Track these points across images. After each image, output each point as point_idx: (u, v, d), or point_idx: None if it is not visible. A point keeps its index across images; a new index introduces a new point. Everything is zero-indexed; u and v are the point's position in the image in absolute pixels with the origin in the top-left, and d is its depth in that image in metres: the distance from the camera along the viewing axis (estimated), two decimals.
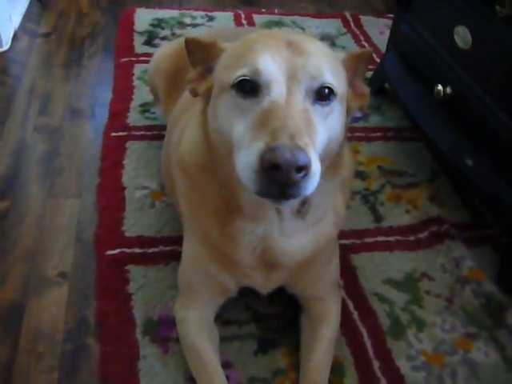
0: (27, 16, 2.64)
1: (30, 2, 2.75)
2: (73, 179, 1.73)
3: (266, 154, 0.80)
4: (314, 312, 1.28)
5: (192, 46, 1.03)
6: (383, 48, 2.19)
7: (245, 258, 1.12)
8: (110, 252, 1.47)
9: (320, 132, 0.89)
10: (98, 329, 1.30)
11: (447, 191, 1.78)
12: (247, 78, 0.89)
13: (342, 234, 1.25)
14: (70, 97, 2.11)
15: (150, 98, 1.97)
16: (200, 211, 1.14)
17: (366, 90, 1.07)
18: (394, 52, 2.00)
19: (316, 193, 0.90)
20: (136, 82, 2.15)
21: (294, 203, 1.03)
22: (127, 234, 1.53)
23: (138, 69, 2.22)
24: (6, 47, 2.35)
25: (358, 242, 1.56)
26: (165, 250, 1.49)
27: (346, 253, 1.49)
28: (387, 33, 2.14)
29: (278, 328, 1.34)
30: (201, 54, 1.02)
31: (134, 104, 2.04)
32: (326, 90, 0.91)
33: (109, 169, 1.75)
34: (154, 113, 2.00)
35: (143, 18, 2.62)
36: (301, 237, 1.11)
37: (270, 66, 0.89)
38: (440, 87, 1.62)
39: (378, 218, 1.65)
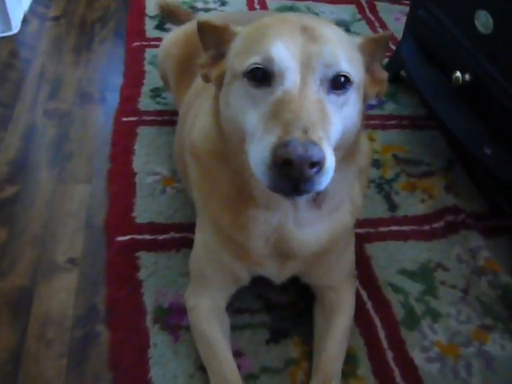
0: None
1: None
2: (83, 164, 1.71)
3: (279, 148, 0.77)
4: (328, 302, 1.25)
5: (204, 29, 0.99)
6: (399, 35, 2.14)
7: (258, 248, 1.09)
8: (120, 238, 1.45)
9: (335, 123, 0.86)
10: (107, 316, 1.28)
11: (463, 180, 1.74)
12: (259, 66, 0.86)
13: (357, 223, 1.22)
14: (80, 81, 2.08)
15: (161, 83, 1.94)
16: (212, 199, 1.12)
17: (384, 75, 1.03)
18: (410, 38, 1.95)
19: (332, 181, 0.87)
20: (147, 67, 2.12)
21: (307, 198, 1.00)
22: (138, 221, 1.51)
23: (149, 53, 2.19)
24: (15, 30, 2.33)
25: (373, 231, 1.54)
26: (176, 237, 1.47)
27: (360, 242, 1.46)
28: (403, 19, 2.10)
29: (291, 317, 1.31)
30: (213, 38, 0.99)
31: (145, 89, 2.01)
32: (342, 79, 0.87)
33: (119, 154, 1.73)
34: (165, 98, 1.97)
35: (155, 1, 2.57)
36: (316, 226, 1.08)
37: (284, 53, 0.85)
38: (458, 74, 1.57)
39: (392, 207, 1.62)
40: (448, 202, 1.64)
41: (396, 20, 2.57)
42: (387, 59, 2.17)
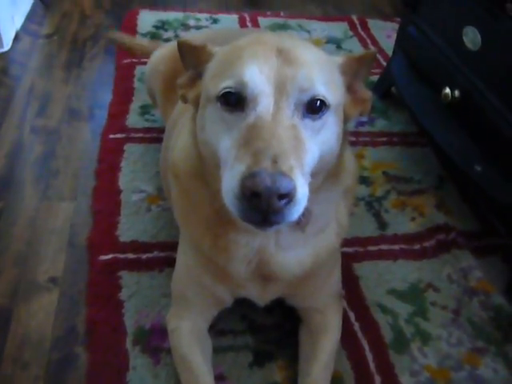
0: (30, 17, 2.62)
1: (34, 3, 2.73)
2: (68, 182, 1.68)
3: (247, 179, 0.75)
4: (314, 324, 1.22)
5: (183, 48, 0.97)
6: (390, 52, 2.14)
7: (239, 271, 1.06)
8: (102, 257, 1.42)
9: (311, 149, 0.83)
10: (87, 337, 1.25)
11: (454, 198, 1.71)
12: (232, 90, 0.84)
13: (345, 242, 1.19)
14: (69, 98, 2.07)
15: (149, 100, 1.92)
16: (192, 220, 1.08)
17: (367, 94, 1.00)
18: (400, 55, 1.94)
19: (316, 203, 0.85)
20: (136, 84, 2.11)
21: (278, 229, 0.97)
22: (121, 239, 1.48)
23: (139, 70, 2.18)
24: (6, 48, 2.33)
25: (361, 250, 1.50)
26: (160, 256, 1.44)
27: (348, 261, 1.43)
28: (395, 36, 2.09)
29: (275, 339, 1.28)
30: (192, 58, 0.97)
31: (134, 106, 2.00)
32: (318, 103, 0.84)
33: (105, 171, 1.70)
34: (153, 115, 1.95)
35: (147, 19, 2.58)
36: (299, 249, 1.05)
37: (257, 77, 0.82)
38: (448, 90, 1.56)
39: (382, 225, 1.59)
40: (439, 221, 1.61)
41: (388, 37, 2.57)
42: (378, 76, 2.16)
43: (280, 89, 0.82)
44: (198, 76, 0.97)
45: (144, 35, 2.45)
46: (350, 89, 0.97)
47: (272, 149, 0.76)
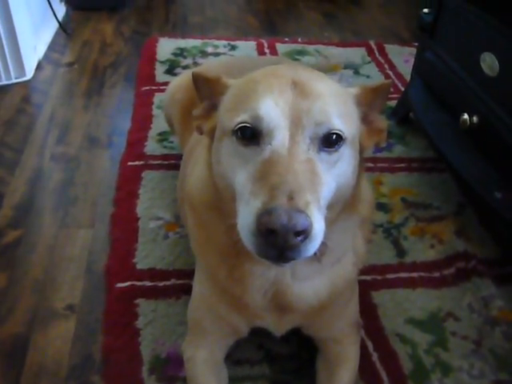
0: (52, 46, 2.69)
1: (56, 33, 2.80)
2: (87, 209, 1.70)
3: (263, 216, 0.74)
4: (331, 354, 1.20)
5: (198, 80, 0.98)
6: (408, 77, 2.14)
7: (255, 301, 1.05)
8: (120, 285, 1.43)
9: (327, 182, 0.83)
10: (103, 366, 1.24)
11: (474, 225, 1.68)
12: (248, 125, 0.84)
13: (362, 270, 1.17)
14: (88, 126, 2.10)
15: (168, 127, 1.94)
16: (208, 250, 1.08)
17: (383, 124, 0.99)
18: (418, 80, 1.94)
19: (333, 233, 0.84)
20: (155, 111, 2.14)
21: (294, 265, 0.96)
22: (138, 266, 1.48)
23: (157, 98, 2.21)
24: (29, 76, 2.38)
25: (380, 278, 1.48)
26: (177, 284, 1.44)
27: (366, 289, 1.41)
28: (412, 61, 2.09)
29: (292, 369, 1.26)
30: (206, 90, 0.98)
31: (152, 133, 2.02)
32: (334, 136, 0.84)
33: (123, 199, 1.72)
34: (171, 142, 1.97)
35: (166, 47, 2.63)
36: (316, 280, 1.04)
37: (272, 111, 0.82)
38: (466, 116, 1.55)
39: (400, 252, 1.57)
40: (459, 248, 1.58)
41: (406, 62, 2.57)
42: (396, 101, 2.16)
43: (295, 122, 0.82)
44: (213, 107, 0.97)
45: (163, 62, 2.49)
46: (365, 119, 0.96)
47: (288, 184, 0.76)
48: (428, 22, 1.79)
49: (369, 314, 1.37)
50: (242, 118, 0.84)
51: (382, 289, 1.45)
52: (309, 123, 0.82)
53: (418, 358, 1.28)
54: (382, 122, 0.99)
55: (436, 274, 1.50)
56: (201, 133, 1.01)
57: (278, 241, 0.74)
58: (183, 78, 1.72)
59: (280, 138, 0.82)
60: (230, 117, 0.87)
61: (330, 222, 0.87)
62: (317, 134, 0.83)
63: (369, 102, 0.96)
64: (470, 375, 1.26)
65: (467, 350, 1.31)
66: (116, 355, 1.26)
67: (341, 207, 0.94)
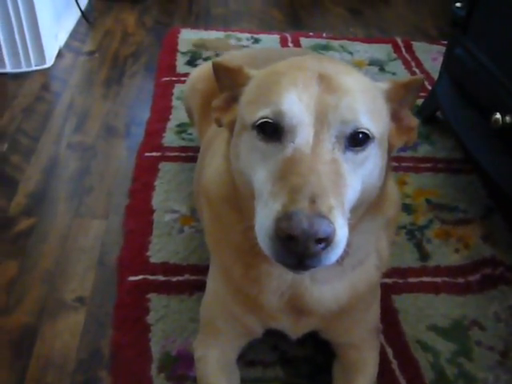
0: (74, 34, 2.66)
1: (78, 22, 2.78)
2: (101, 199, 1.66)
3: (282, 221, 0.69)
4: (349, 360, 1.14)
5: (219, 70, 0.93)
6: (436, 75, 2.06)
7: (271, 303, 1.00)
8: (132, 278, 1.39)
9: (352, 184, 0.77)
10: (111, 361, 1.21)
11: (503, 230, 1.61)
12: (269, 120, 0.78)
13: (383, 273, 1.12)
14: (107, 115, 2.06)
15: (187, 118, 1.90)
16: (223, 246, 1.03)
17: (414, 122, 0.93)
18: (447, 78, 1.87)
19: (356, 234, 0.78)
20: (175, 102, 2.10)
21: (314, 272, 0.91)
22: (152, 260, 1.44)
23: (178, 89, 2.16)
24: (49, 64, 2.35)
25: (401, 281, 1.42)
26: (190, 279, 1.39)
27: (386, 293, 1.35)
28: (440, 59, 2.02)
29: (307, 373, 1.21)
30: (227, 80, 0.92)
31: (171, 124, 1.98)
32: (361, 135, 0.78)
33: (139, 190, 1.67)
34: (190, 134, 1.93)
35: (188, 38, 2.59)
36: (336, 283, 0.98)
37: (296, 106, 0.76)
38: (498, 116, 1.47)
39: (424, 256, 1.50)
40: (485, 253, 1.51)
41: (433, 60, 2.49)
42: (422, 100, 2.08)
43: (321, 119, 0.76)
44: (233, 99, 0.92)
45: (184, 54, 2.45)
46: (394, 116, 0.90)
47: (310, 186, 0.70)
48: (460, 17, 1.72)
49: (389, 318, 1.31)
50: (264, 112, 0.78)
51: (404, 293, 1.39)
52: (335, 121, 0.76)
53: (440, 367, 1.22)
54: (413, 120, 0.93)
55: (461, 280, 1.44)
56: (220, 125, 0.95)
57: (298, 248, 0.69)
58: (205, 68, 1.67)
59: (303, 135, 0.76)
60: (251, 110, 0.81)
61: (353, 223, 0.81)
62: (343, 133, 0.77)
63: (399, 98, 0.89)
64: None
65: (493, 362, 1.25)
66: (125, 351, 1.22)
67: (365, 209, 0.88)
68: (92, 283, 1.39)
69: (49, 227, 1.55)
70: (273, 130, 0.78)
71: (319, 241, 0.68)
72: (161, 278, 1.39)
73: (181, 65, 2.36)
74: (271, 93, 0.80)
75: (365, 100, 0.80)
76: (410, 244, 1.54)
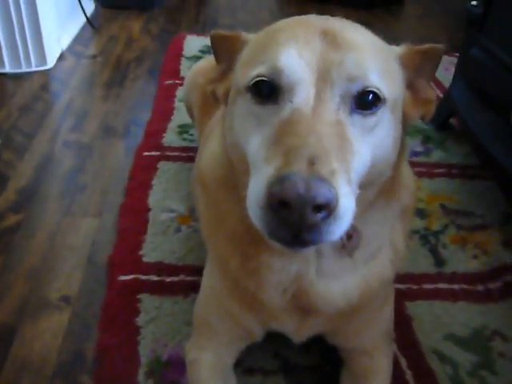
0: (78, 39, 2.62)
1: (83, 27, 2.73)
2: (95, 198, 1.57)
3: (274, 185, 0.58)
4: (359, 368, 1.03)
5: (216, 40, 0.83)
6: (448, 84, 1.98)
7: (271, 300, 0.88)
8: (122, 277, 1.28)
9: (360, 151, 0.67)
10: (95, 365, 1.10)
11: None
12: (265, 78, 0.68)
13: (397, 277, 1.00)
14: (106, 115, 1.99)
15: (189, 119, 1.82)
16: (219, 235, 0.91)
17: (432, 94, 0.82)
18: (462, 81, 1.79)
19: (368, 223, 0.70)
20: (177, 104, 2.03)
21: (313, 250, 0.80)
22: (145, 259, 1.34)
23: (180, 91, 2.09)
24: (50, 65, 2.30)
25: (415, 287, 1.31)
26: (185, 280, 1.29)
27: (399, 299, 1.23)
28: (452, 70, 1.94)
29: (312, 383, 1.09)
30: (225, 50, 0.82)
31: (172, 125, 1.90)
32: (370, 96, 0.68)
33: (135, 188, 1.58)
34: (191, 135, 1.84)
35: (193, 44, 2.54)
36: (346, 278, 0.86)
37: (295, 62, 0.67)
38: None
39: (439, 261, 1.39)
40: (507, 260, 1.40)
41: (445, 70, 2.41)
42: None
43: (323, 77, 0.66)
44: (229, 69, 0.82)
45: (189, 58, 2.39)
46: (410, 86, 0.79)
47: (309, 147, 0.60)
48: (476, 15, 1.64)
49: (403, 326, 1.19)
50: (259, 70, 0.69)
51: (418, 300, 1.28)
52: (340, 78, 0.66)
53: (460, 380, 1.10)
54: (431, 92, 0.82)
55: (480, 288, 1.32)
56: (215, 99, 0.85)
57: (293, 217, 0.58)
58: (205, 63, 1.61)
59: (303, 94, 0.66)
60: (246, 71, 0.72)
61: (364, 208, 0.71)
62: (349, 92, 0.67)
63: (415, 65, 0.79)
64: None
65: None
66: (110, 354, 1.11)
67: (378, 189, 0.78)
68: (80, 282, 1.29)
69: (37, 224, 1.46)
70: (269, 91, 0.68)
71: (318, 208, 0.57)
72: (154, 277, 1.29)
73: (185, 69, 2.30)
74: (267, 50, 0.70)
75: (375, 58, 0.70)
76: (423, 249, 1.43)
